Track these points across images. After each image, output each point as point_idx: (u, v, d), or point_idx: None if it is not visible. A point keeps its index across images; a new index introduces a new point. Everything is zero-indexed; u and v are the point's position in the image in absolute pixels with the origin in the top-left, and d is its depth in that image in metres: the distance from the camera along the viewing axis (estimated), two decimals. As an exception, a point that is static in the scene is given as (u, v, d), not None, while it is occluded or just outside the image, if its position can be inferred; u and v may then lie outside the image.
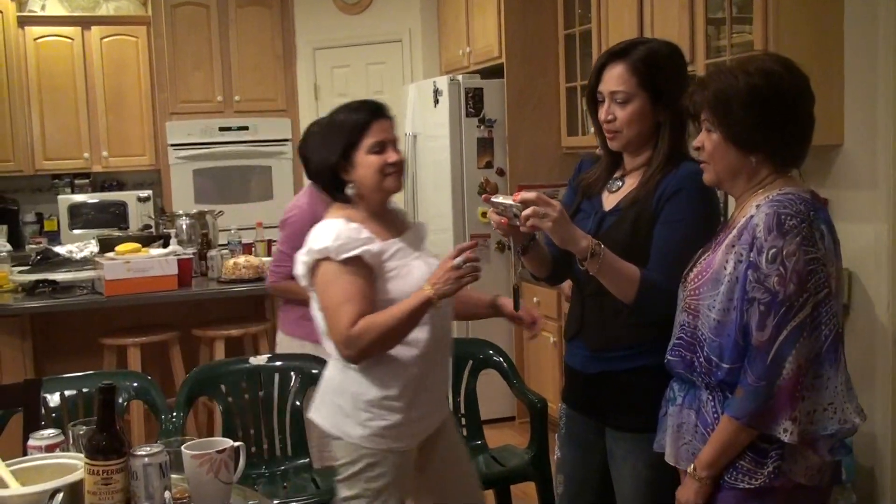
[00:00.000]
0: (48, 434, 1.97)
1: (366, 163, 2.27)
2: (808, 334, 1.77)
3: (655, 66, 2.14)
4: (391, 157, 2.29)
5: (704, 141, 1.92)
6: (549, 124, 5.09)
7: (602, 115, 2.18)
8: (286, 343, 3.57)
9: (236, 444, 1.86)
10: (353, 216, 2.30)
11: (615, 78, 2.15)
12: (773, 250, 1.77)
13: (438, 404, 2.46)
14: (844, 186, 3.27)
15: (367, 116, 2.29)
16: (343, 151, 2.28)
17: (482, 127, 5.09)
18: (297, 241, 2.48)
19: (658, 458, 2.03)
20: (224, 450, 1.79)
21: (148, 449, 1.74)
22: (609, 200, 2.23)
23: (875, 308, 3.16)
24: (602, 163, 2.29)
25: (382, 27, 6.25)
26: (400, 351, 2.27)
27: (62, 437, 1.97)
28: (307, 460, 3.35)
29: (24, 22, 6.11)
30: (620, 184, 2.23)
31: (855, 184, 3.24)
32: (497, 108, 5.09)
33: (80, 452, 1.91)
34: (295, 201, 3.57)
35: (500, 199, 2.12)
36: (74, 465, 1.81)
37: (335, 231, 2.24)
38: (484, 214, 4.81)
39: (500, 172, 5.13)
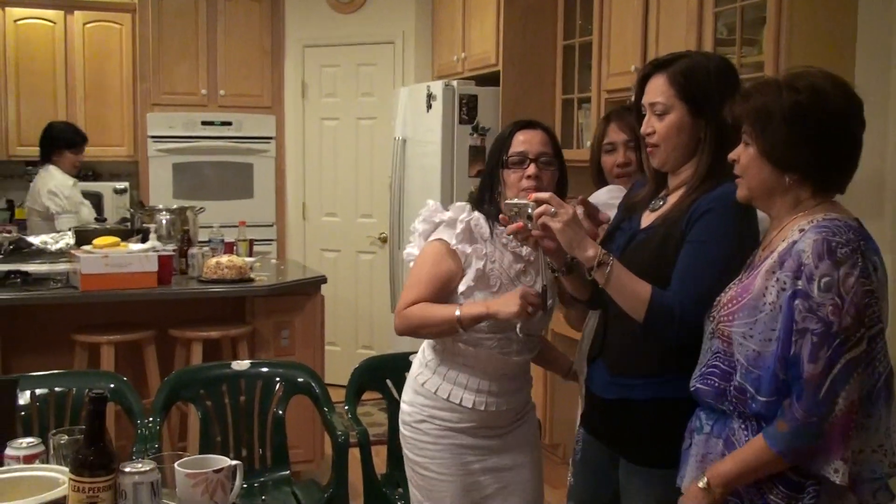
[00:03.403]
0: (27, 443, 1.83)
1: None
2: (863, 370, 1.68)
3: (696, 78, 2.05)
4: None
5: (741, 154, 1.84)
6: (544, 136, 4.98)
7: (643, 127, 2.10)
8: None
9: (233, 462, 1.73)
10: None
11: (655, 89, 2.08)
12: (827, 279, 1.66)
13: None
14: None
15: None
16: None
17: (475, 135, 4.99)
18: None
19: (673, 497, 1.93)
20: (221, 469, 1.67)
21: (139, 466, 1.61)
22: (647, 219, 2.15)
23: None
24: (649, 182, 2.20)
25: (375, 28, 6.13)
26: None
27: (42, 448, 1.82)
28: (287, 472, 3.22)
29: (4, 2, 5.93)
30: (662, 203, 2.14)
31: (860, 213, 3.17)
32: (491, 117, 4.99)
33: (61, 464, 1.78)
34: None
35: (514, 200, 2.14)
36: (56, 479, 1.67)
37: None
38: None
39: (488, 182, 5.02)
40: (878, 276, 1.72)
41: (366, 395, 3.22)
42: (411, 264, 2.41)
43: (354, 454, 3.02)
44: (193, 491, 1.64)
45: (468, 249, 2.28)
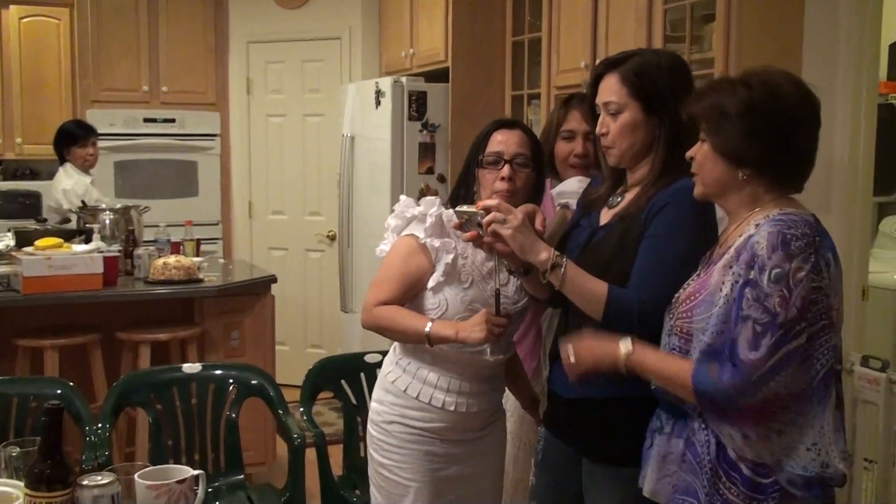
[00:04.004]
0: (-23, 457, 1.75)
1: None
2: (799, 365, 1.69)
3: (648, 76, 2.05)
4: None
5: (696, 151, 1.84)
6: (494, 132, 4.97)
7: (598, 127, 2.10)
8: None
9: (196, 472, 1.68)
10: None
11: (608, 88, 2.09)
12: (778, 270, 1.67)
13: None
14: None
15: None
16: None
17: (424, 131, 4.95)
18: None
19: (637, 495, 1.94)
20: (184, 480, 1.62)
21: (98, 479, 1.56)
22: (605, 216, 2.15)
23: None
24: (607, 179, 2.20)
25: (321, 24, 6.06)
26: None
27: (-7, 462, 1.75)
28: (241, 476, 3.16)
29: (-65, -4, 5.72)
30: (620, 199, 2.14)
31: (808, 208, 3.22)
32: (440, 113, 4.96)
33: (13, 478, 1.71)
34: None
35: (464, 207, 2.13)
36: (9, 494, 1.61)
37: None
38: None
39: (441, 179, 5.00)
40: (831, 273, 1.72)
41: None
42: (383, 258, 2.39)
43: (308, 456, 2.98)
44: (156, 502, 1.59)
45: (437, 243, 2.25)
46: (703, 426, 1.80)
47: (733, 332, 1.70)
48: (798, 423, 1.72)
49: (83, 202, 4.70)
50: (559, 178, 2.63)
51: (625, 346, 1.87)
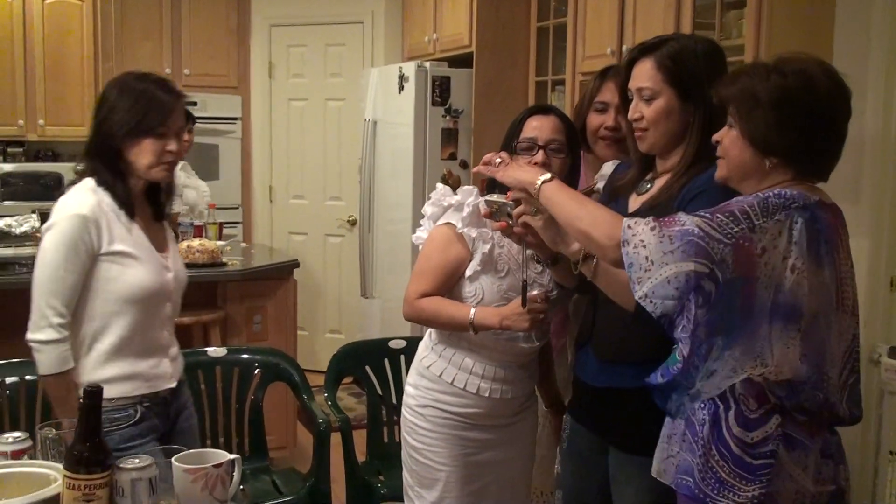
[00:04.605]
0: (14, 438, 1.75)
1: None
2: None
3: (684, 62, 2.01)
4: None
5: (724, 136, 1.82)
6: (517, 118, 4.95)
7: (630, 113, 2.07)
8: None
9: (232, 456, 1.68)
10: None
11: (642, 74, 2.05)
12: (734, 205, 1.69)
13: None
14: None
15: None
16: None
17: (447, 117, 4.94)
18: None
19: (662, 484, 1.92)
20: (221, 464, 1.62)
21: (136, 462, 1.56)
22: (634, 203, 2.12)
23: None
24: (635, 165, 2.17)
25: (344, 7, 6.04)
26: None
27: (30, 443, 1.75)
28: (266, 461, 3.18)
29: (-41, -22, 5.72)
30: (649, 186, 2.11)
31: (838, 199, 3.19)
32: (464, 99, 4.95)
33: (48, 459, 1.71)
34: None
35: (494, 197, 2.09)
36: (47, 475, 1.61)
37: None
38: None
39: (464, 165, 4.99)
40: (794, 241, 1.68)
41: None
42: (421, 248, 2.39)
43: (332, 441, 2.98)
44: (192, 486, 1.59)
45: (474, 233, 2.26)
46: (702, 405, 1.79)
47: None
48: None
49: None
50: (591, 151, 2.59)
51: (542, 177, 1.92)
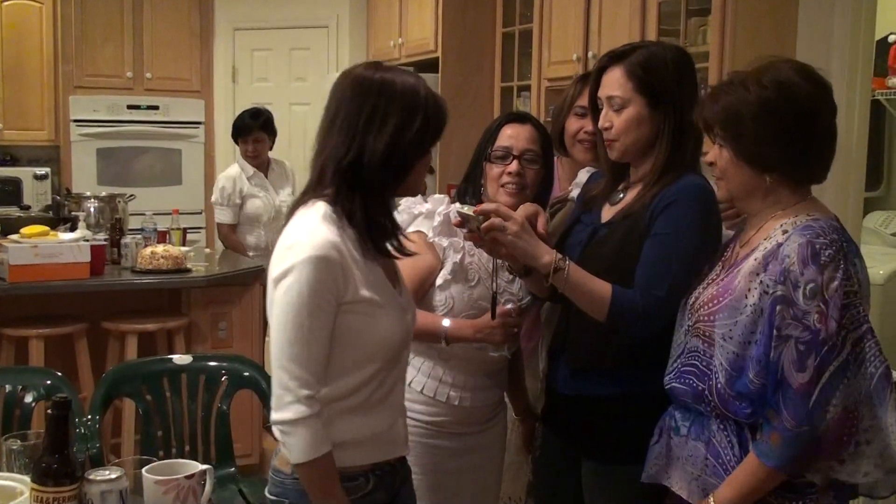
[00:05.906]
0: (-23, 450, 1.71)
1: None
2: (853, 374, 1.66)
3: (654, 70, 2.01)
4: None
5: (717, 157, 1.82)
6: (483, 123, 4.76)
7: (601, 121, 2.06)
8: None
9: (204, 466, 1.66)
10: None
11: (612, 82, 2.04)
12: (812, 285, 1.64)
13: None
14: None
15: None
16: None
17: (413, 122, 4.92)
18: None
19: (637, 494, 1.93)
20: (193, 475, 1.60)
21: (106, 473, 1.53)
22: (607, 213, 2.12)
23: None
24: (606, 174, 2.17)
25: (308, 11, 6.02)
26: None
27: (-5, 455, 1.72)
28: (233, 469, 3.13)
29: (-86, -22, 5.61)
30: (622, 195, 2.11)
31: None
32: (430, 104, 4.93)
33: (14, 472, 1.68)
34: None
35: (464, 208, 2.03)
36: (13, 488, 1.58)
37: None
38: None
39: (430, 171, 4.97)
40: (861, 278, 1.70)
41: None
42: None
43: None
44: (164, 498, 1.57)
45: (445, 242, 2.23)
46: (721, 426, 1.78)
47: (772, 356, 1.67)
48: (876, 427, 1.68)
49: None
50: (567, 155, 2.60)
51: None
